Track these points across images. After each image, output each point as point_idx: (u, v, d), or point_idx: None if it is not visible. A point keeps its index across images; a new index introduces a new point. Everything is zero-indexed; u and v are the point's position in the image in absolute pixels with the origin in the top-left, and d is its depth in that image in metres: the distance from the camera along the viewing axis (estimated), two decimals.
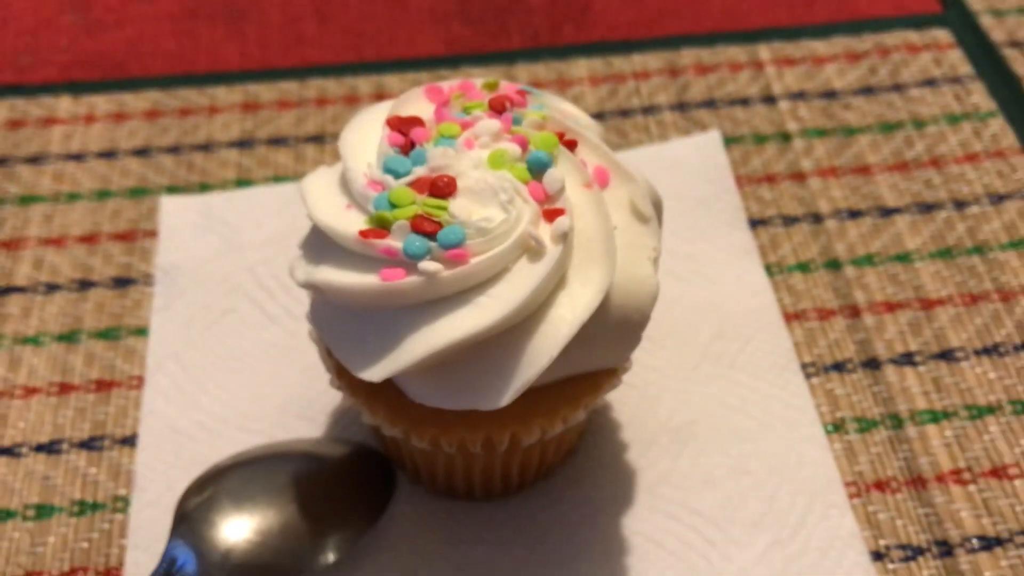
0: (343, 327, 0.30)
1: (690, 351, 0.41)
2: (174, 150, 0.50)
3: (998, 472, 0.39)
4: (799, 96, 0.52)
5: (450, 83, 0.34)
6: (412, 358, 0.28)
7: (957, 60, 0.54)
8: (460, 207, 0.29)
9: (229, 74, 0.54)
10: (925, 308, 0.44)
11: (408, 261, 0.28)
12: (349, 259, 0.29)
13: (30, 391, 0.41)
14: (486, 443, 0.32)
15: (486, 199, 0.29)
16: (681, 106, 0.52)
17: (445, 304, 0.28)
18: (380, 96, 0.52)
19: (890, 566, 0.36)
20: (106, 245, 0.46)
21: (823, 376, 0.41)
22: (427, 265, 0.28)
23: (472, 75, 0.35)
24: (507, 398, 0.28)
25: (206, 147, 0.50)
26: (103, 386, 0.41)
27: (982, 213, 0.47)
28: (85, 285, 0.45)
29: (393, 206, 0.29)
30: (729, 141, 0.50)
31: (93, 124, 0.51)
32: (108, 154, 0.50)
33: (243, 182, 0.48)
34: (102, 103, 0.52)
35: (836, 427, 0.40)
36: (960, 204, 0.47)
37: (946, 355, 0.42)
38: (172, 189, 0.48)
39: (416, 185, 0.30)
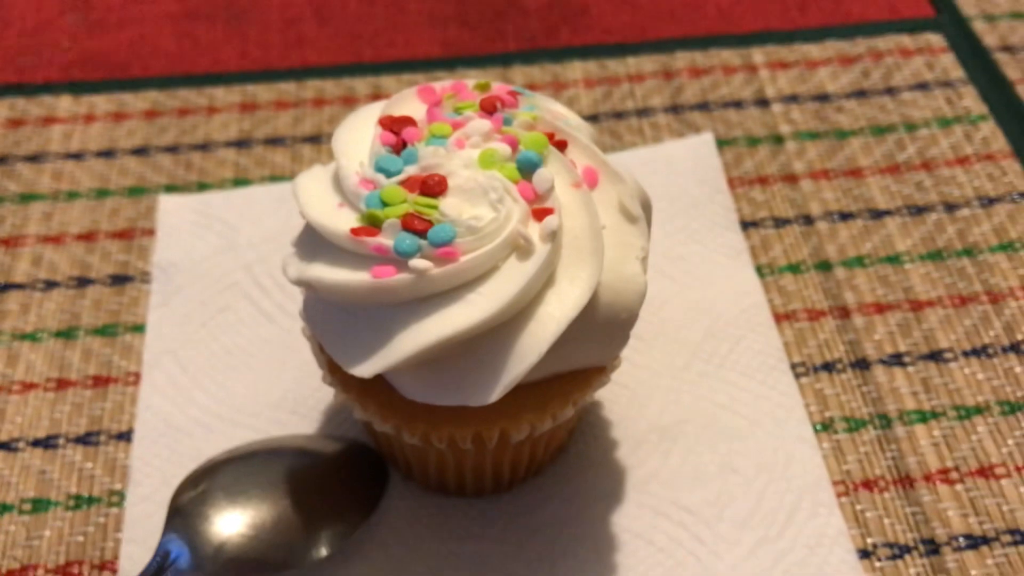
0: (335, 324, 0.31)
1: (681, 351, 0.42)
2: (173, 149, 0.50)
3: (985, 472, 0.39)
4: (792, 99, 0.53)
5: (442, 84, 0.34)
6: (402, 354, 0.29)
7: (949, 64, 0.54)
8: (450, 206, 0.29)
9: (228, 75, 0.54)
10: (915, 309, 0.44)
11: (399, 259, 0.29)
12: (341, 256, 0.30)
13: (28, 386, 0.42)
14: (476, 439, 0.32)
15: (476, 198, 0.29)
16: (675, 108, 0.52)
17: (435, 301, 0.29)
18: (377, 97, 0.53)
19: (877, 564, 0.37)
20: (104, 243, 0.46)
21: (812, 376, 0.42)
22: (417, 263, 0.28)
23: (468, 77, 0.35)
24: (496, 394, 0.29)
25: (204, 147, 0.50)
26: (100, 382, 0.42)
27: (972, 216, 0.47)
28: (83, 282, 0.45)
29: (384, 204, 0.30)
30: (722, 143, 0.50)
31: (93, 123, 0.52)
32: (107, 153, 0.50)
33: (240, 181, 0.49)
34: (102, 103, 0.53)
35: (825, 426, 0.40)
36: (950, 207, 0.48)
37: (935, 356, 0.42)
38: (170, 188, 0.49)
39: (407, 184, 0.30)
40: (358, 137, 0.32)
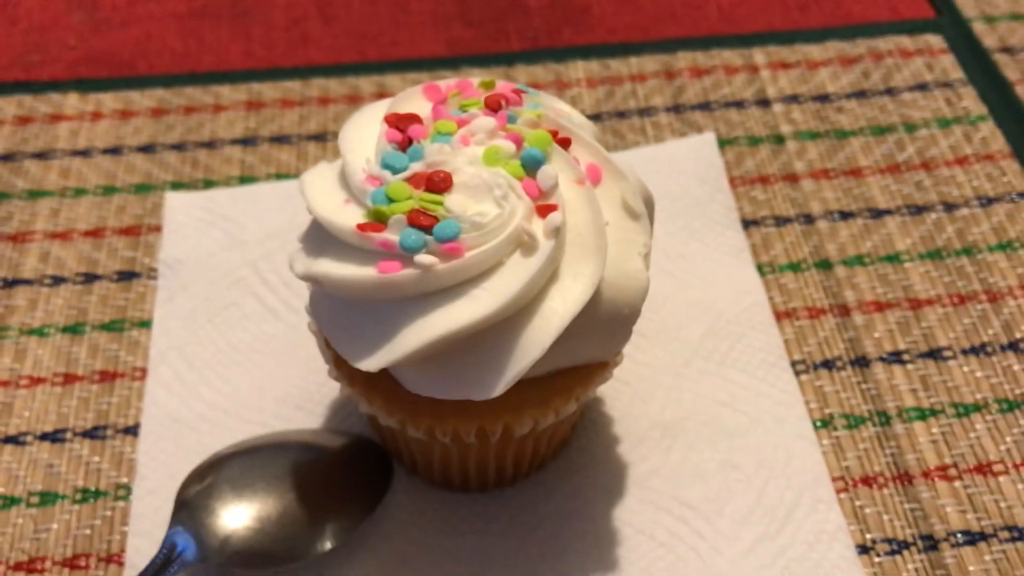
0: (341, 318, 0.31)
1: (682, 348, 0.42)
2: (179, 147, 0.51)
3: (983, 468, 0.39)
4: (793, 99, 0.53)
5: (448, 82, 0.34)
6: (408, 349, 0.29)
7: (949, 65, 0.55)
8: (455, 202, 0.30)
9: (234, 73, 0.55)
10: (914, 308, 0.44)
11: (404, 254, 0.29)
12: (347, 252, 0.30)
13: (35, 381, 0.42)
14: (480, 433, 0.33)
15: (481, 194, 0.30)
16: (677, 108, 0.53)
17: (440, 296, 0.29)
18: (381, 96, 0.53)
19: (876, 560, 0.37)
20: (111, 239, 0.47)
21: (812, 373, 0.42)
22: (423, 258, 0.29)
23: (472, 76, 0.35)
24: (500, 388, 0.29)
25: (210, 144, 0.51)
26: (107, 377, 0.42)
27: (971, 215, 0.48)
28: (90, 278, 0.45)
29: (390, 200, 0.30)
30: (723, 143, 0.51)
31: (100, 121, 0.52)
32: (114, 150, 0.51)
33: (246, 179, 0.49)
34: (109, 100, 0.53)
35: (825, 423, 0.41)
36: (950, 206, 0.48)
37: (934, 354, 0.43)
38: (177, 185, 0.49)
39: (413, 180, 0.30)
40: (364, 134, 0.33)
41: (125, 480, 0.39)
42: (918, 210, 0.48)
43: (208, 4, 0.58)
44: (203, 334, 0.43)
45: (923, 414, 0.41)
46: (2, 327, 0.44)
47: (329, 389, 0.41)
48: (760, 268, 0.46)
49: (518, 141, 0.31)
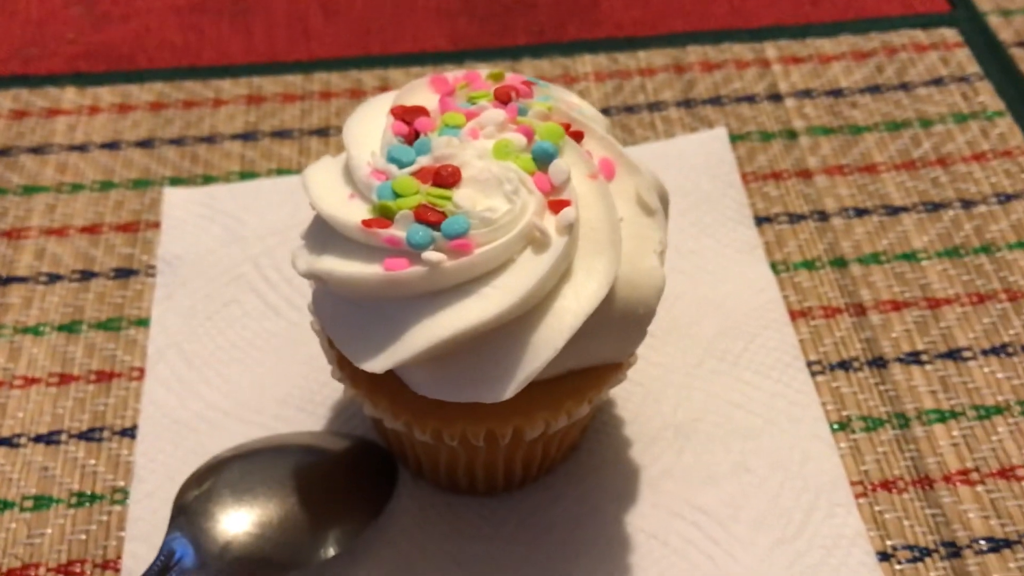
0: (345, 317, 0.30)
1: (694, 348, 0.41)
2: (178, 142, 0.50)
3: (1006, 473, 0.38)
4: (805, 94, 0.52)
5: (455, 73, 0.33)
6: (414, 349, 0.28)
7: (965, 59, 0.54)
8: (464, 197, 0.29)
9: (234, 67, 0.54)
10: (932, 307, 0.43)
11: (411, 251, 0.28)
12: (352, 249, 0.29)
13: (30, 381, 0.41)
14: (489, 436, 0.32)
15: (490, 189, 0.29)
16: (687, 103, 0.52)
17: (448, 295, 0.28)
18: (384, 90, 0.52)
19: (897, 567, 0.36)
20: (108, 236, 0.46)
21: (829, 374, 0.41)
22: (430, 255, 0.28)
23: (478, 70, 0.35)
24: (510, 391, 0.28)
25: (210, 139, 0.50)
26: (103, 377, 0.41)
27: (989, 212, 0.47)
28: (87, 276, 0.44)
29: (396, 195, 0.29)
30: (735, 138, 0.50)
31: (97, 115, 0.51)
32: (112, 145, 0.50)
33: (247, 174, 0.48)
34: (107, 95, 0.52)
35: (842, 425, 0.40)
36: (967, 203, 0.47)
37: (953, 354, 0.42)
38: (175, 181, 0.48)
39: (420, 175, 0.29)
40: (369, 127, 0.32)
41: (122, 483, 0.38)
42: (935, 207, 0.47)
43: None
44: (202, 332, 0.42)
45: (943, 416, 0.40)
46: None
47: (332, 390, 0.40)
48: (774, 266, 0.44)
49: (529, 134, 0.30)
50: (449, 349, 0.28)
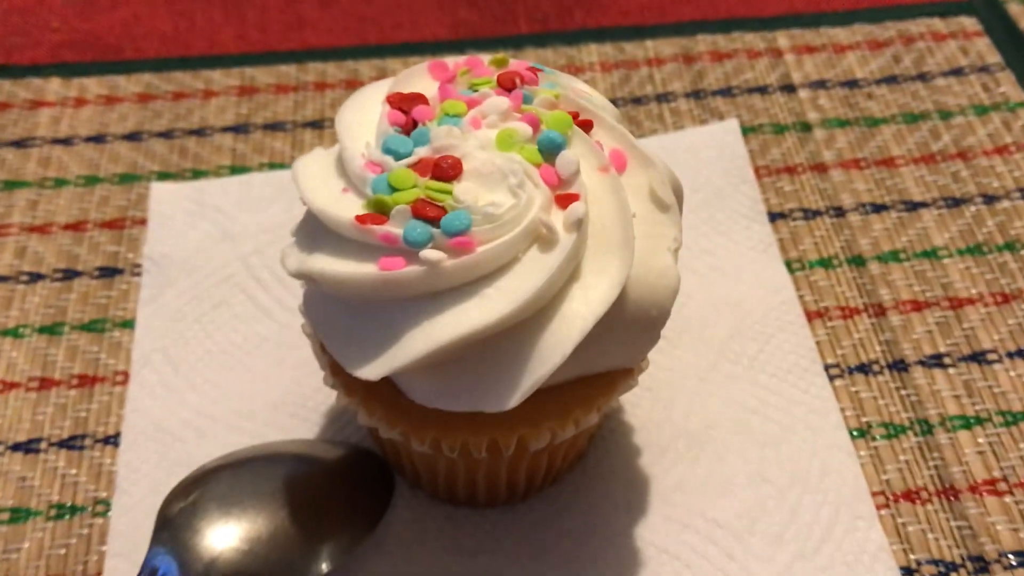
0: (338, 320, 0.28)
1: (707, 350, 0.39)
2: (166, 135, 0.48)
3: None
4: (820, 85, 0.50)
5: (456, 59, 0.31)
6: (412, 355, 0.26)
7: (985, 49, 0.52)
8: (465, 191, 0.27)
9: (226, 57, 0.52)
10: (954, 307, 0.41)
11: (408, 249, 0.26)
12: (345, 247, 0.27)
13: (8, 386, 0.39)
14: (491, 447, 0.30)
15: (494, 183, 0.27)
16: (696, 94, 0.50)
17: (448, 296, 0.26)
18: None
19: None
20: (93, 233, 0.44)
21: (848, 378, 0.39)
22: (429, 254, 0.26)
23: None
24: (515, 400, 0.26)
25: (200, 132, 0.48)
26: (86, 381, 0.39)
27: (1013, 208, 0.45)
28: (70, 275, 0.43)
29: (393, 189, 0.27)
30: (747, 131, 0.48)
31: (83, 107, 0.49)
32: (98, 138, 0.48)
33: (237, 169, 0.46)
34: (93, 86, 0.50)
35: (862, 433, 0.38)
36: (990, 198, 0.45)
37: (977, 357, 0.40)
38: (163, 175, 0.46)
39: (418, 167, 0.28)
40: (364, 116, 0.30)
41: (104, 495, 0.36)
42: (956, 202, 0.45)
43: None
44: (190, 335, 0.40)
45: (968, 423, 0.38)
46: None
47: (325, 395, 0.38)
48: (789, 264, 0.43)
49: (535, 123, 0.29)
50: (449, 355, 0.27)
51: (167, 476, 0.35)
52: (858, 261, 0.43)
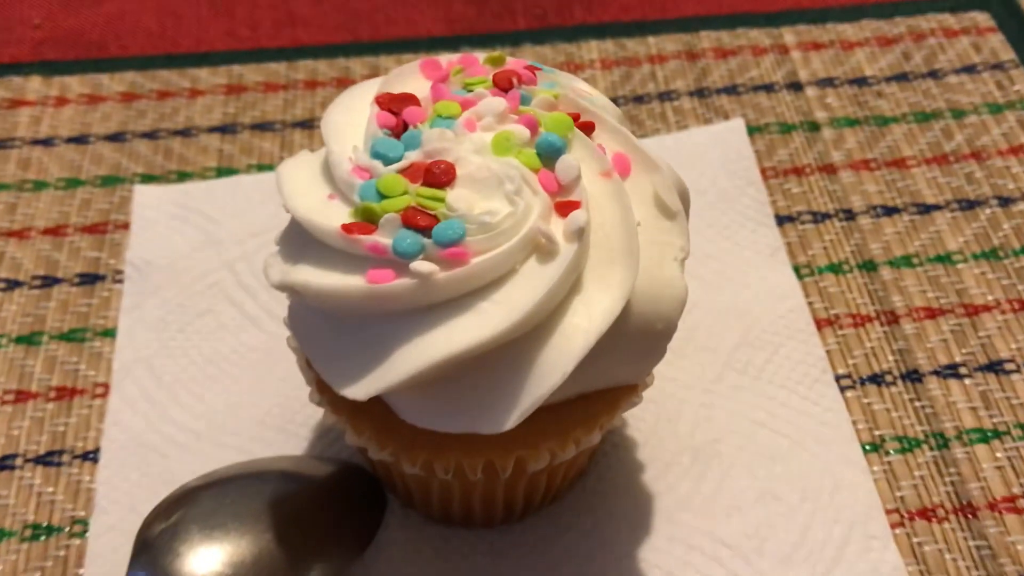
0: (324, 336, 0.27)
1: (712, 361, 0.38)
2: (151, 135, 0.47)
3: None
4: (827, 82, 0.48)
5: (449, 57, 0.30)
6: (402, 374, 0.25)
7: (998, 45, 0.50)
8: (459, 198, 0.26)
9: (213, 55, 0.51)
10: (970, 314, 0.40)
11: (398, 260, 0.25)
12: (331, 257, 0.26)
13: None
14: (487, 469, 0.28)
15: (489, 189, 0.26)
16: (700, 92, 0.48)
17: (441, 311, 0.25)
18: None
19: None
20: (73, 238, 0.43)
21: (860, 389, 0.38)
22: (420, 265, 0.25)
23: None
24: (512, 421, 0.25)
25: (185, 132, 0.47)
26: (64, 394, 0.38)
27: None
28: (48, 282, 0.41)
29: (381, 196, 0.26)
30: (752, 130, 0.46)
31: (64, 107, 0.48)
32: (79, 139, 0.47)
33: (224, 171, 0.45)
34: (75, 84, 0.49)
35: (875, 447, 0.36)
36: (1005, 200, 0.44)
37: (995, 367, 0.38)
38: (147, 178, 0.45)
39: (409, 172, 0.26)
40: (352, 118, 0.28)
41: (82, 514, 0.35)
42: (970, 205, 0.43)
43: None
44: (174, 345, 0.39)
45: (986, 436, 0.36)
46: None
47: (315, 409, 0.36)
48: (797, 270, 0.41)
49: (533, 126, 0.27)
50: (442, 373, 0.25)
51: (148, 494, 0.34)
52: (869, 266, 0.41)
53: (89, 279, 0.41)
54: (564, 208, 0.26)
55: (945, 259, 0.42)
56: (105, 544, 0.33)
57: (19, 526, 0.34)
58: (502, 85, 0.28)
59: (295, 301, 0.28)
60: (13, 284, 0.41)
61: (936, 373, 0.38)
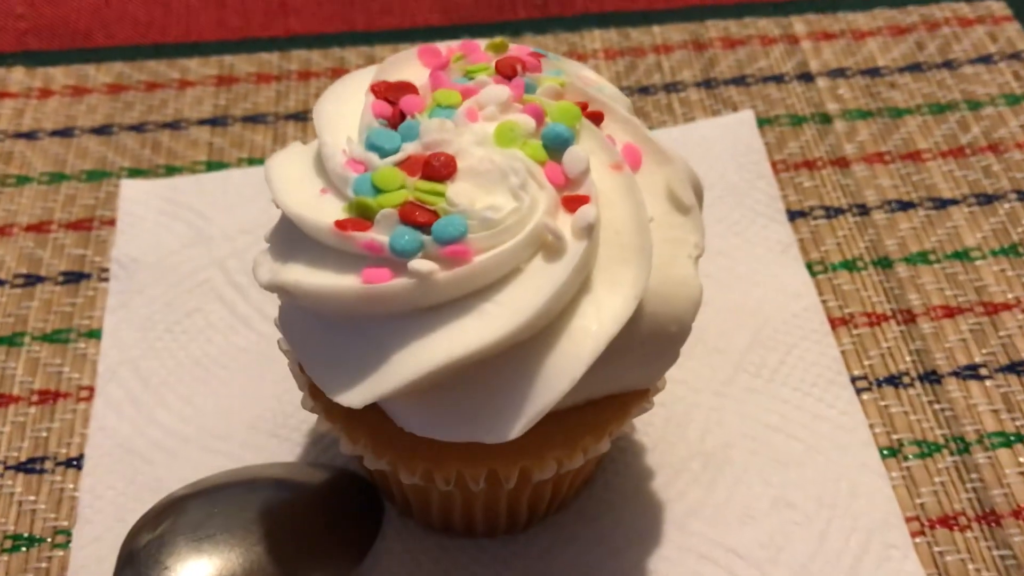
0: (317, 339, 0.25)
1: (723, 362, 0.37)
2: (138, 128, 0.46)
3: None
4: (839, 73, 0.47)
5: (449, 44, 0.28)
6: (400, 380, 0.23)
7: (1015, 34, 0.49)
8: (460, 192, 0.24)
9: (203, 44, 0.50)
10: (990, 313, 0.39)
11: (395, 259, 0.24)
12: (323, 256, 0.25)
13: None
14: (490, 478, 0.27)
15: (492, 183, 0.25)
16: (708, 83, 0.47)
17: (441, 313, 0.24)
18: None
19: None
20: (57, 235, 0.42)
21: (876, 391, 0.36)
22: (419, 264, 0.23)
23: None
24: (517, 430, 0.24)
25: (174, 125, 0.46)
26: (47, 398, 0.36)
27: None
28: (31, 280, 0.40)
29: (377, 191, 0.25)
30: (762, 122, 0.45)
31: (48, 99, 0.47)
32: (64, 132, 0.45)
33: (214, 165, 0.44)
34: (60, 76, 0.48)
35: (893, 452, 0.35)
36: None
37: (1016, 368, 0.37)
38: (134, 172, 0.44)
39: (406, 165, 0.25)
40: (345, 108, 0.27)
41: (65, 524, 0.33)
42: (988, 199, 0.42)
43: None
44: (161, 346, 0.37)
45: (1008, 440, 0.35)
46: None
47: (309, 413, 0.35)
48: (810, 267, 0.40)
49: (538, 115, 0.26)
50: (442, 379, 0.24)
51: (134, 503, 0.33)
52: (885, 263, 0.40)
53: (73, 277, 0.40)
54: (572, 203, 0.25)
55: (963, 255, 0.40)
56: (89, 555, 0.32)
57: None
58: (505, 72, 0.27)
59: (286, 302, 0.27)
60: None
61: (955, 374, 0.37)
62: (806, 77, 0.47)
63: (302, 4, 0.51)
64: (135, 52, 0.49)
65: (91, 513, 0.33)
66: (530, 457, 0.26)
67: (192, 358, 0.37)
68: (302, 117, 0.46)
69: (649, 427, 0.35)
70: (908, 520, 0.33)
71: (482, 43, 0.28)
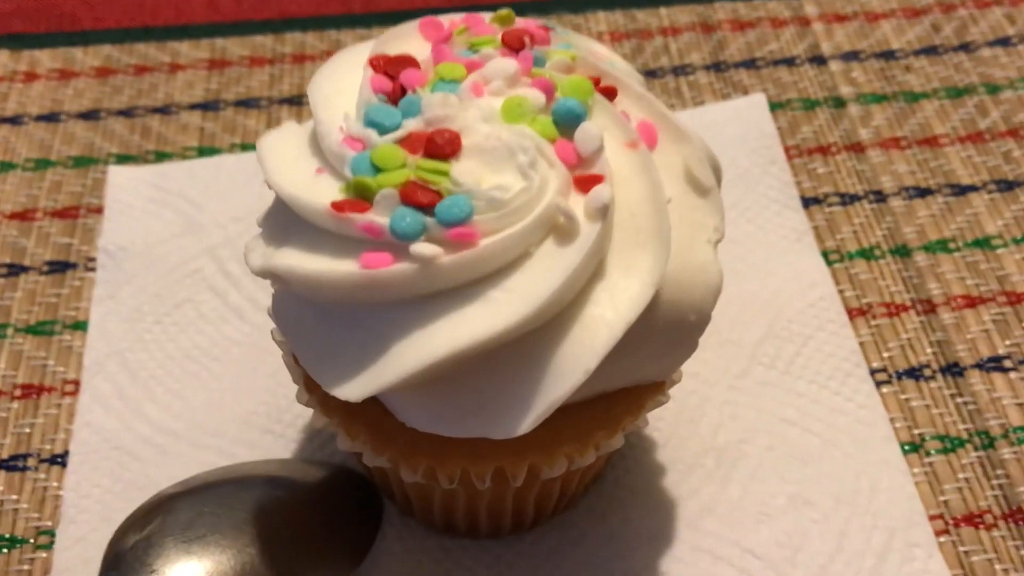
0: (313, 328, 0.24)
1: (737, 354, 0.35)
2: (127, 113, 0.44)
3: None
4: (852, 56, 0.46)
5: (452, 16, 0.27)
6: (401, 372, 0.22)
7: None
8: (465, 172, 0.23)
9: (194, 27, 0.48)
10: (1012, 303, 0.37)
11: (396, 242, 0.22)
12: (319, 240, 0.23)
13: None
14: (497, 476, 0.26)
15: (499, 161, 0.23)
16: (717, 66, 0.45)
17: (445, 300, 0.22)
18: None
19: None
20: (43, 223, 0.40)
21: (896, 384, 0.35)
22: (422, 248, 0.22)
23: None
24: (527, 425, 0.22)
25: (164, 110, 0.44)
26: (30, 392, 0.35)
27: None
28: (15, 270, 0.39)
29: (377, 170, 0.23)
30: (774, 106, 0.44)
31: (34, 83, 0.45)
32: (50, 117, 0.44)
33: (206, 150, 0.43)
34: (46, 59, 0.47)
35: (915, 447, 0.33)
36: None
37: None
38: (123, 158, 0.42)
39: (408, 142, 0.24)
40: (342, 83, 0.26)
41: (48, 524, 0.32)
42: (1008, 186, 0.41)
43: None
44: (150, 338, 0.36)
45: None
46: None
47: (304, 408, 0.33)
48: (826, 255, 0.38)
49: (548, 90, 0.24)
50: (446, 371, 0.23)
51: (121, 502, 0.32)
52: (903, 251, 0.39)
53: (59, 267, 0.38)
54: (585, 183, 0.23)
55: (984, 243, 0.39)
56: (73, 557, 0.31)
57: None
58: (513, 45, 0.25)
59: (280, 289, 0.26)
60: None
61: (978, 366, 0.35)
62: (818, 60, 0.46)
63: None
64: (124, 35, 0.47)
65: (76, 513, 0.32)
66: (539, 453, 0.25)
67: (182, 350, 0.35)
68: (296, 101, 0.44)
69: (660, 421, 0.33)
70: (932, 518, 0.32)
71: (487, 15, 0.27)
